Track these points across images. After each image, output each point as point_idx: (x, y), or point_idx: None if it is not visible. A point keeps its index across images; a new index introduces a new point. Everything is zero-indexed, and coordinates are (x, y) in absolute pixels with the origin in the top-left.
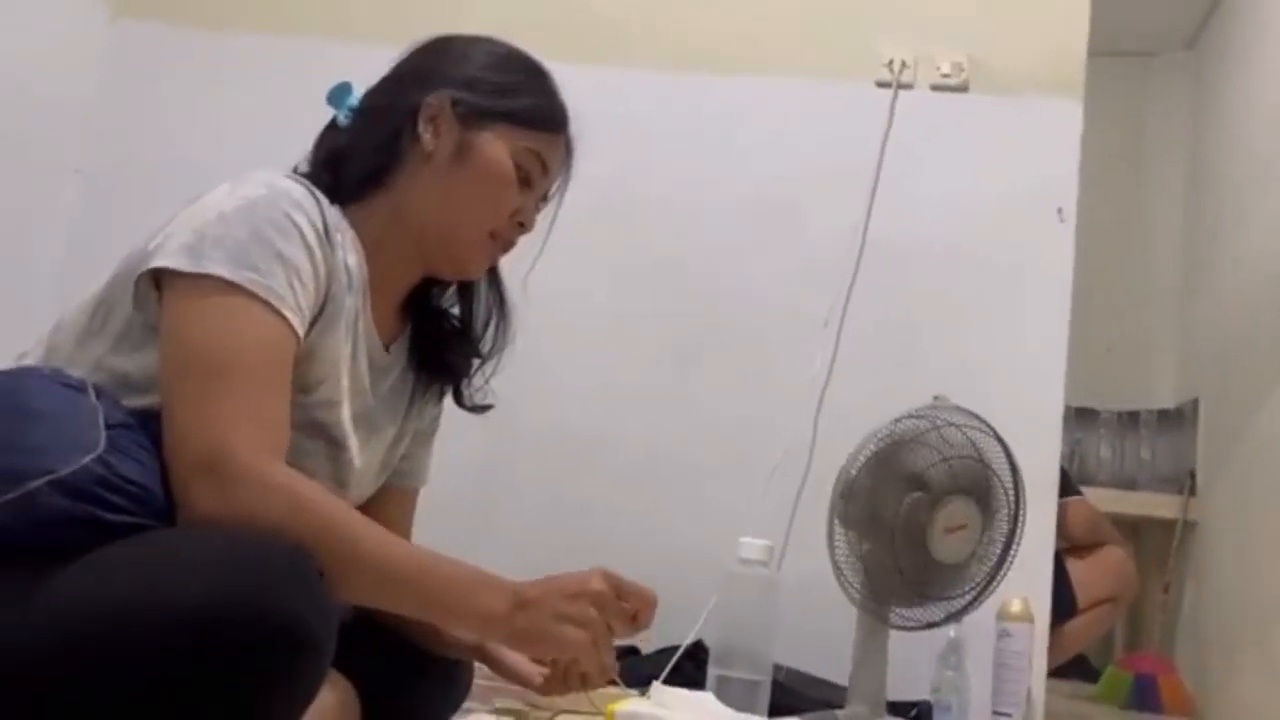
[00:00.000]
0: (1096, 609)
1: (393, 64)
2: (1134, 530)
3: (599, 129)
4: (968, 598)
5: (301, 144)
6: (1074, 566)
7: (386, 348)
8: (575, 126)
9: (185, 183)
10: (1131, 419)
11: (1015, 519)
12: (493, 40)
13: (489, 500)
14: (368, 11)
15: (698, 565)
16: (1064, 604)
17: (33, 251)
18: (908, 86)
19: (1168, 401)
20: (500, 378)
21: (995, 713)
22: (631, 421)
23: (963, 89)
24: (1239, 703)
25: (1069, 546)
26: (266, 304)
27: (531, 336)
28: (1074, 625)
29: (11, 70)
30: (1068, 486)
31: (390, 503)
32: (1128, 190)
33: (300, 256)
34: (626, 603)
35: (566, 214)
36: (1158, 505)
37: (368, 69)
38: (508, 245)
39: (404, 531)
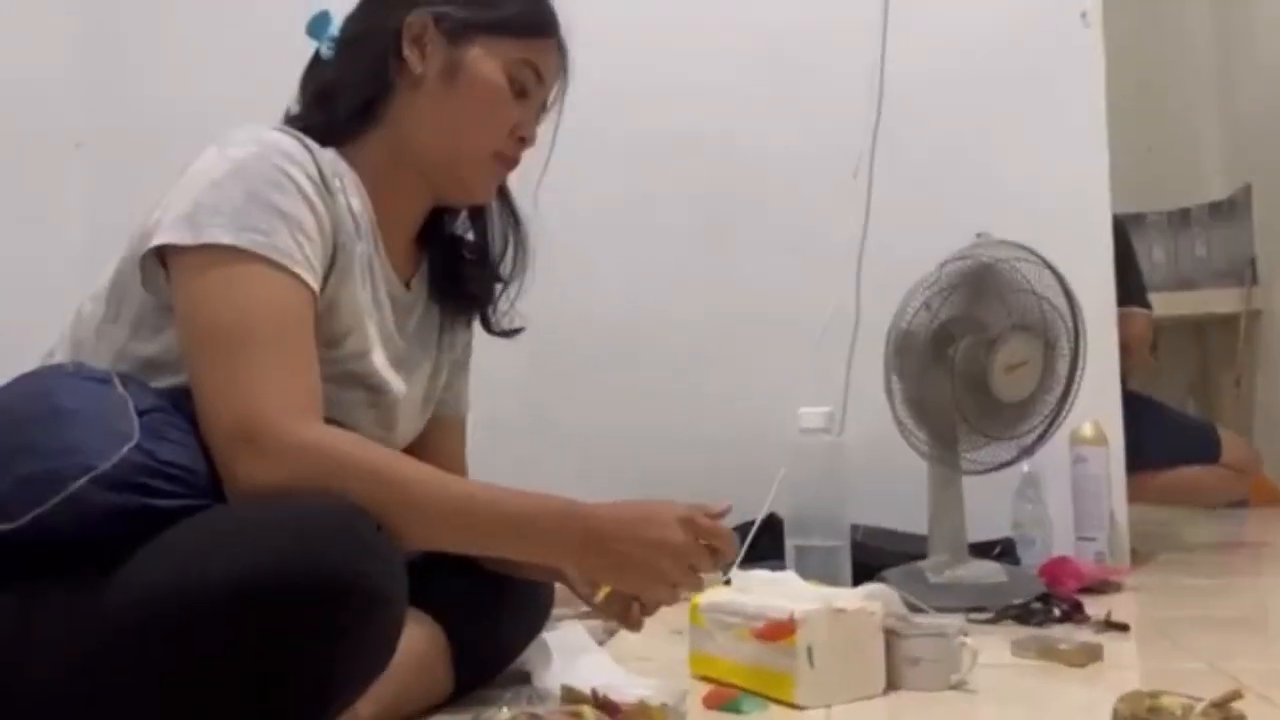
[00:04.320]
0: (1226, 470)
1: None
2: (1197, 330)
3: (594, 16)
4: (1038, 432)
5: (299, 69)
6: (1225, 435)
7: (407, 284)
8: (567, 23)
9: (189, 136)
10: (1182, 216)
11: (1076, 345)
12: None
13: (540, 404)
14: None
15: (761, 439)
16: (1208, 446)
17: (53, 233)
18: None
19: (1218, 193)
20: (534, 275)
21: (1079, 538)
22: (672, 305)
23: None
24: None
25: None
26: (275, 264)
27: (559, 232)
28: (1203, 474)
29: None
30: (1135, 295)
31: (439, 436)
32: None
33: (301, 210)
34: (707, 542)
35: (576, 108)
36: (1219, 301)
37: None
38: (512, 163)
39: (458, 461)
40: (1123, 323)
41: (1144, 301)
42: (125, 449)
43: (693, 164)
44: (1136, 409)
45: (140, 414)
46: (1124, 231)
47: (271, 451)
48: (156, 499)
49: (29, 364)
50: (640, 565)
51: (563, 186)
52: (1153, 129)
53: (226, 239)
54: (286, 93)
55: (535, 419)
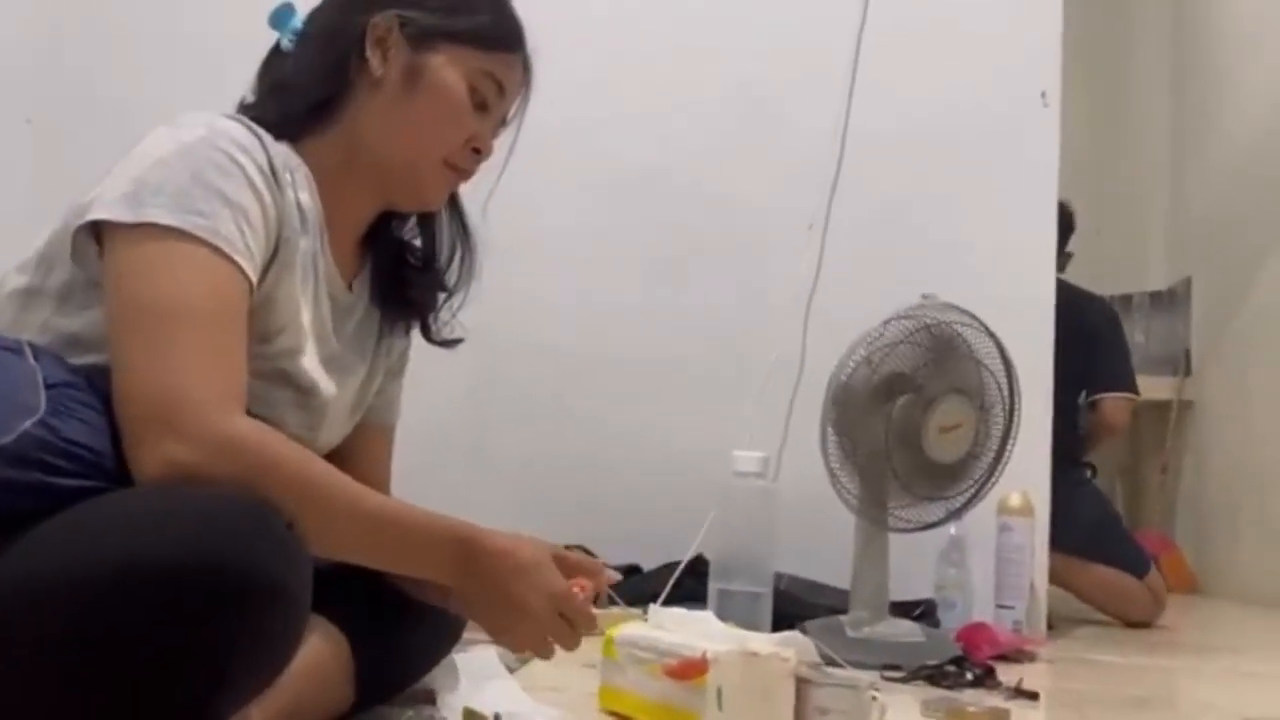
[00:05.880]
0: (1147, 592)
1: None
2: (1130, 414)
3: (566, 39)
4: (966, 496)
5: (256, 64)
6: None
7: (349, 285)
8: (535, 41)
9: (139, 118)
10: (1124, 302)
11: (1011, 413)
12: None
13: (481, 425)
14: None
15: (694, 479)
16: (1142, 561)
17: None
18: None
19: (1160, 283)
20: (482, 299)
21: (999, 606)
22: (619, 338)
23: None
24: (1239, 573)
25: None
26: (214, 248)
27: (512, 256)
28: (1130, 584)
29: None
30: (1124, 379)
31: (366, 441)
32: (1112, 69)
33: (247, 198)
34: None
35: (539, 134)
36: (1153, 388)
37: None
38: (467, 174)
39: (383, 468)
40: (1109, 409)
41: (1134, 386)
42: (28, 423)
43: (651, 200)
44: (1089, 497)
45: (49, 387)
46: (1115, 314)
47: (192, 436)
48: (56, 477)
49: None
50: (501, 613)
51: (518, 211)
52: (1103, 213)
53: (167, 219)
54: (243, 80)
55: (473, 442)
